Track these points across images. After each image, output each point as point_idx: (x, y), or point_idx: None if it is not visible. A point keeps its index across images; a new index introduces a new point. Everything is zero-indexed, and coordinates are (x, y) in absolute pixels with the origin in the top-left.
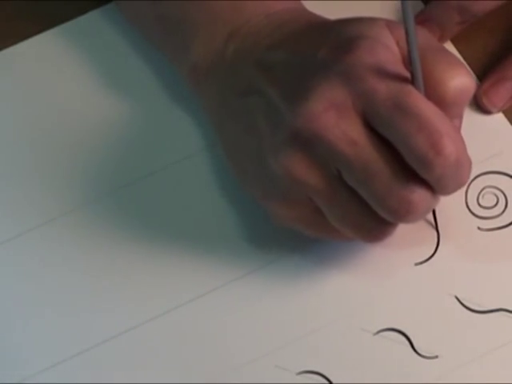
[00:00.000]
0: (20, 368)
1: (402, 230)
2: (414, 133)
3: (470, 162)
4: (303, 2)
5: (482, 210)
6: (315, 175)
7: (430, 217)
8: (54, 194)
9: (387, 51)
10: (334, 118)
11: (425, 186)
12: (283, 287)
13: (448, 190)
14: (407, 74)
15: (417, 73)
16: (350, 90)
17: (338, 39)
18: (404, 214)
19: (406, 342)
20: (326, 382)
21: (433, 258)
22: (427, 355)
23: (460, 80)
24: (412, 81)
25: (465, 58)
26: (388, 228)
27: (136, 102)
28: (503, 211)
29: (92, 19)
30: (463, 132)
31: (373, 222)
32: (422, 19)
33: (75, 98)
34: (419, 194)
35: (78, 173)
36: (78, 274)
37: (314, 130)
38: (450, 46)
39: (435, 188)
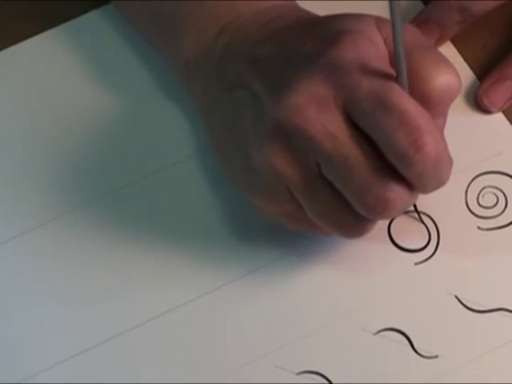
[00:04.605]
0: (20, 368)
1: (402, 229)
2: (394, 129)
3: (451, 161)
4: (301, 2)
5: (481, 209)
6: (295, 169)
7: (428, 220)
8: (52, 194)
9: (371, 46)
10: (315, 111)
11: (403, 184)
12: (283, 287)
13: (428, 188)
14: (391, 71)
15: (401, 70)
16: (333, 83)
17: (324, 33)
18: (380, 211)
19: (406, 342)
20: (325, 382)
21: (433, 258)
22: (427, 355)
23: (446, 78)
24: (396, 78)
25: (465, 58)
26: (366, 224)
27: (135, 102)
28: (503, 211)
29: (92, 19)
30: (463, 132)
31: (351, 218)
32: (421, 19)
33: (75, 98)
34: (396, 192)
35: (78, 172)
36: (77, 274)
37: (295, 123)
38: (450, 46)
39: (415, 185)
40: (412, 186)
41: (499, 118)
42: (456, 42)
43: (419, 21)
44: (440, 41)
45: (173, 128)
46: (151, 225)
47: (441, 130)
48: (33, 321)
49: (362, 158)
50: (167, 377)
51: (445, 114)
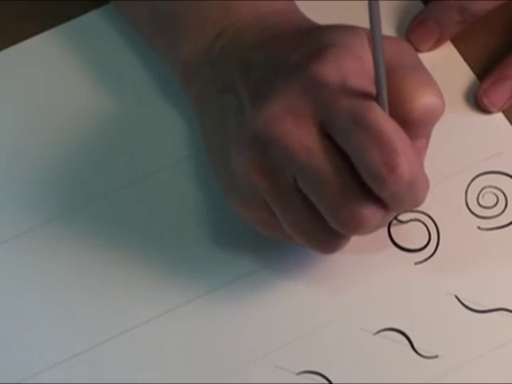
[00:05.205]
0: (20, 368)
1: (402, 229)
2: (369, 148)
3: (427, 184)
4: (299, 3)
5: (481, 209)
6: (270, 179)
7: (427, 219)
8: (52, 196)
9: (355, 62)
10: (291, 123)
11: (377, 202)
12: (283, 287)
13: (402, 208)
14: (372, 88)
15: (381, 88)
16: (311, 98)
17: (311, 45)
18: (354, 227)
19: (406, 342)
20: (325, 382)
21: (433, 258)
22: (427, 355)
23: (428, 99)
24: (377, 96)
25: (465, 58)
26: (340, 240)
27: (135, 102)
28: (503, 211)
29: (92, 19)
30: (463, 132)
31: (324, 232)
32: (421, 19)
33: (74, 98)
34: (370, 210)
35: (77, 172)
36: (77, 274)
37: (271, 133)
38: (449, 46)
39: (389, 205)
40: (386, 204)
41: (499, 118)
42: (456, 42)
43: (419, 21)
44: (440, 41)
45: (171, 129)
46: (145, 227)
47: (421, 151)
48: (33, 321)
49: (337, 174)
50: (167, 377)
51: (427, 136)
